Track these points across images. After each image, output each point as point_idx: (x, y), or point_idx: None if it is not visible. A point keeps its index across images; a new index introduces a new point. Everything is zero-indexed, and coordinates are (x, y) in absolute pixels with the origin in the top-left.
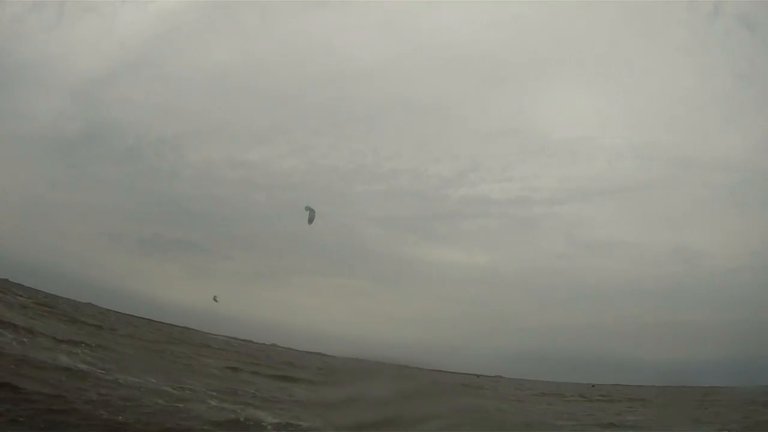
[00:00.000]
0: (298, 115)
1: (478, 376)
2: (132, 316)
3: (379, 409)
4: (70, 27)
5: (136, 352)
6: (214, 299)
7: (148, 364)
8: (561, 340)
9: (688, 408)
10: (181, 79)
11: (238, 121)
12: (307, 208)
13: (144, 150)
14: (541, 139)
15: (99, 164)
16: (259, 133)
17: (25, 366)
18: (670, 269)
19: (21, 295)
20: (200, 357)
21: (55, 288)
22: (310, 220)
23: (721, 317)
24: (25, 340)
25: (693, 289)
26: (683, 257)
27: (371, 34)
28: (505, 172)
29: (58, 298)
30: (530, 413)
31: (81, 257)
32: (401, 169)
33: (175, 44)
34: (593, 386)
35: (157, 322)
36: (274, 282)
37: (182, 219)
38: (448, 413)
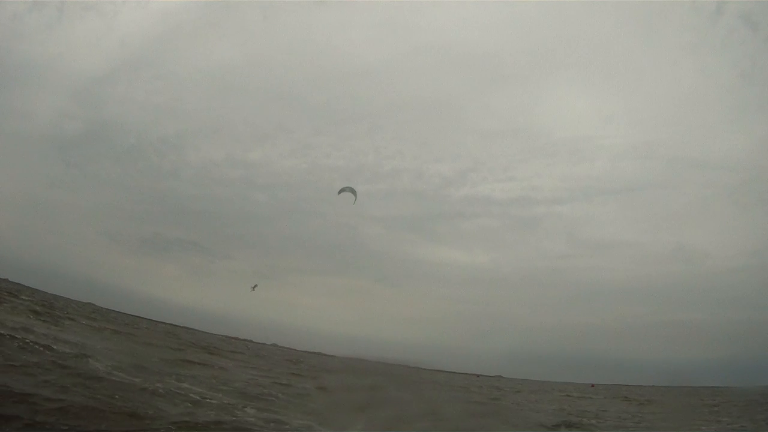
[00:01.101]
0: (300, 115)
1: (478, 375)
2: (133, 316)
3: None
4: (70, 26)
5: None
6: (253, 288)
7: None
8: (561, 340)
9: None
10: (183, 79)
11: (239, 120)
12: (351, 189)
13: (145, 149)
14: (542, 138)
15: (99, 164)
16: (260, 133)
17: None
18: (670, 269)
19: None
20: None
21: (55, 288)
22: (342, 191)
23: (721, 317)
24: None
25: (693, 289)
26: (684, 257)
27: (373, 33)
28: (507, 172)
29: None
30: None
31: (81, 257)
32: (403, 169)
33: (176, 43)
34: (593, 386)
35: (158, 321)
36: (274, 282)
37: (183, 218)
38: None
